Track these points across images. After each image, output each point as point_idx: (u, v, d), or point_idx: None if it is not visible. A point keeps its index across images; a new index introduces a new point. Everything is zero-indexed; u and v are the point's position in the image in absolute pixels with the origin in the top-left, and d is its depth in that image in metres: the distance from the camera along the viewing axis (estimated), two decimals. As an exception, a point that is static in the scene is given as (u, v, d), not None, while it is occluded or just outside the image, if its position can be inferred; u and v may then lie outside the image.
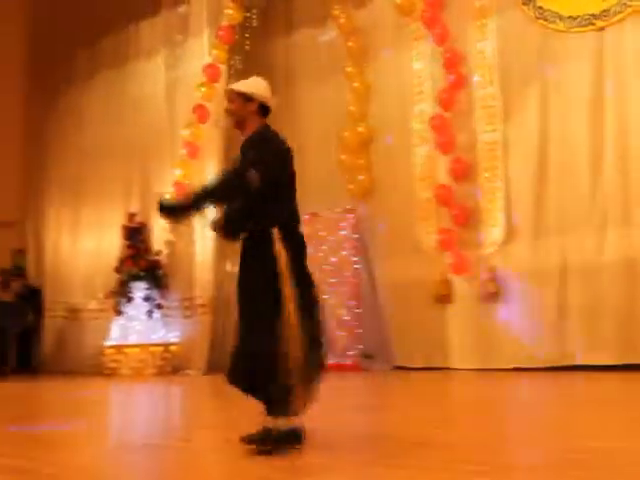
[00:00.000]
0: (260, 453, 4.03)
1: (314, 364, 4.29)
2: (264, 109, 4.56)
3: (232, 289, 12.01)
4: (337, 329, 10.99)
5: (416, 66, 10.58)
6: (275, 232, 4.27)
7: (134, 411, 7.59)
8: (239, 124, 4.57)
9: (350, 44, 11.26)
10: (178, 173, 11.87)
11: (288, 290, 4.18)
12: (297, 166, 12.19)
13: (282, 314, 4.15)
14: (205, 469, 3.82)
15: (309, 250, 10.49)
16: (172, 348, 12.03)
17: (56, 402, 8.70)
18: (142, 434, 5.52)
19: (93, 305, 13.58)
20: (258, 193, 4.24)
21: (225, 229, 4.43)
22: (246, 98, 4.52)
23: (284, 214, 4.42)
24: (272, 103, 4.61)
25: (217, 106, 11.54)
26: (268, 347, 4.08)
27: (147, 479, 3.57)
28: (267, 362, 4.08)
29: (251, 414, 6.29)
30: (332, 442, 4.66)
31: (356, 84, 11.18)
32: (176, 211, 4.49)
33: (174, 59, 12.77)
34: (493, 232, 9.76)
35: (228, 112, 4.67)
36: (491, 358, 9.58)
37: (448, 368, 9.81)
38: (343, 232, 11.11)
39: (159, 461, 4.15)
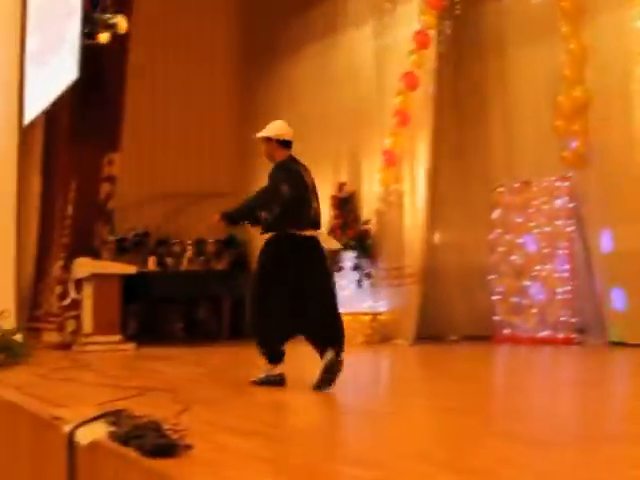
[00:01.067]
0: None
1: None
2: (284, 142, 6.27)
3: (441, 259, 12.14)
4: (551, 301, 10.79)
5: (638, 24, 10.09)
6: (278, 237, 6.04)
7: (347, 378, 7.78)
8: (270, 158, 6.29)
9: (564, 4, 10.86)
10: (388, 142, 11.97)
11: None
12: (508, 133, 11.96)
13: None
14: (420, 436, 3.89)
15: (519, 219, 10.19)
16: (380, 317, 12.22)
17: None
18: (357, 400, 5.68)
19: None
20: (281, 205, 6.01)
21: (228, 219, 6.33)
22: (267, 140, 6.26)
23: (290, 224, 6.03)
24: (288, 136, 6.31)
25: (427, 73, 11.56)
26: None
27: (371, 443, 3.67)
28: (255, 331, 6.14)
29: (458, 385, 6.35)
30: (552, 416, 4.61)
31: (571, 46, 10.78)
32: (231, 219, 6.40)
33: (382, 27, 12.80)
34: None
35: (263, 154, 6.35)
36: None
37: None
38: (558, 201, 10.84)
39: (378, 425, 4.26)
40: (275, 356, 6.10)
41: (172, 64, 15.96)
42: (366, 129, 12.91)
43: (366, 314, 12.19)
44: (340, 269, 12.38)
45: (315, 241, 6.10)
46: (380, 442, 3.72)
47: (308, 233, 6.06)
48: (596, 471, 2.97)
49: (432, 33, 11.74)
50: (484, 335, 11.70)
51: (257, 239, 14.93)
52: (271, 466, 3.05)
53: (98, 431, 3.52)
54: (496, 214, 11.65)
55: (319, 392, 5.64)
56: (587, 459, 3.20)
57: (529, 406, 5.01)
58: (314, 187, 6.31)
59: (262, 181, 15.70)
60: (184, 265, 14.32)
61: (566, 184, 10.75)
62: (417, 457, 3.24)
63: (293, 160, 6.28)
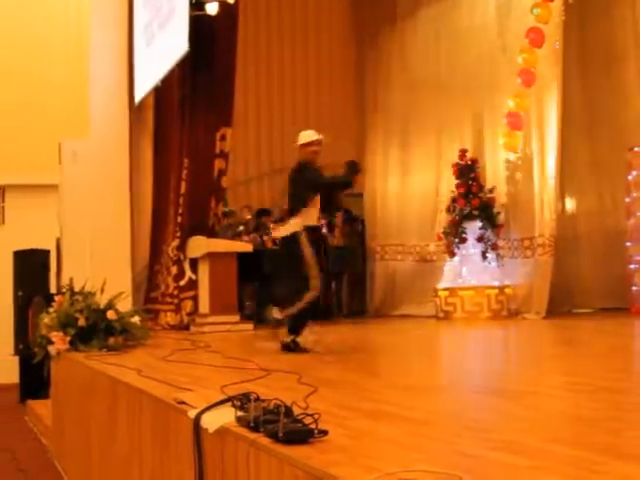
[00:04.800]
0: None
1: None
2: None
3: (574, 226, 11.66)
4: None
5: None
6: None
7: (477, 356, 7.57)
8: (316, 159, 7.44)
9: None
10: (512, 104, 11.55)
11: None
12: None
13: None
14: (572, 418, 3.64)
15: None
16: (507, 291, 11.89)
17: (399, 346, 8.91)
18: (493, 379, 5.47)
19: (425, 247, 13.76)
20: None
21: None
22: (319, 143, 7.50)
23: None
24: None
25: (554, 28, 11.08)
26: None
27: (518, 426, 3.46)
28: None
29: (601, 361, 6.05)
30: None
31: None
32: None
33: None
34: None
35: (316, 154, 7.46)
36: None
37: None
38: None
39: (520, 406, 4.04)
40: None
41: (281, 35, 15.92)
42: (489, 92, 12.52)
43: (492, 287, 11.88)
44: (464, 240, 12.08)
45: None
46: (528, 425, 3.50)
47: None
48: None
49: (559, -16, 11.25)
50: (620, 307, 11.27)
51: (378, 212, 14.95)
52: (415, 453, 2.88)
53: (225, 416, 3.42)
54: (632, 176, 11.14)
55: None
56: None
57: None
58: None
59: (376, 152, 15.69)
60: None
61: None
62: (574, 442, 3.01)
63: None
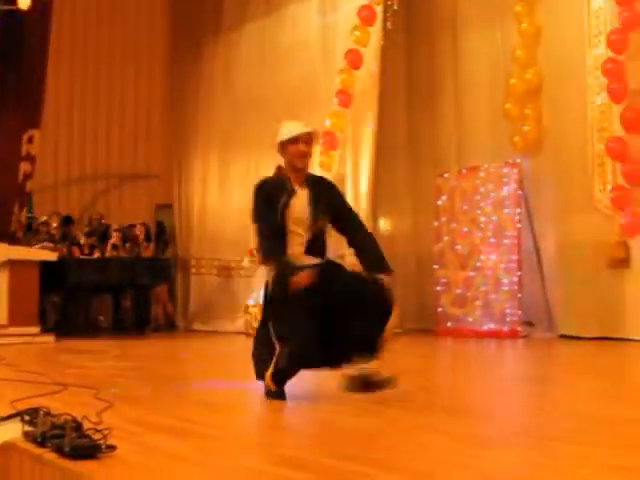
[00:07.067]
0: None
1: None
2: None
3: (386, 248, 12.13)
4: (496, 293, 10.87)
5: (594, 4, 10.12)
6: None
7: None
8: (307, 163, 4.96)
9: (518, -19, 10.95)
10: (328, 123, 11.90)
11: None
12: (459, 116, 11.93)
13: None
14: (354, 434, 3.88)
15: (465, 207, 10.16)
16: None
17: (204, 361, 8.99)
18: (293, 397, 5.63)
19: (239, 263, 13.91)
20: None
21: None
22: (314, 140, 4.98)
23: None
24: None
25: (371, 50, 11.52)
26: None
27: (305, 442, 3.67)
28: None
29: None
30: (498, 414, 4.65)
31: (524, 25, 10.85)
32: None
33: (330, 2, 12.67)
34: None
35: (306, 156, 4.91)
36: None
37: (624, 339, 9.49)
38: (506, 188, 10.93)
39: (306, 423, 4.25)
40: None
41: (99, 36, 15.72)
42: (309, 110, 12.79)
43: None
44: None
45: None
46: (314, 441, 3.72)
47: None
48: (544, 471, 2.98)
49: (379, 9, 11.71)
50: (428, 328, 11.76)
51: (194, 226, 15.01)
52: (200, 468, 3.03)
53: (12, 431, 3.45)
54: (441, 201, 11.70)
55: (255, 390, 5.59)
56: (534, 459, 3.21)
57: (470, 403, 5.04)
58: None
59: (193, 166, 15.71)
60: (108, 252, 14.00)
61: (515, 171, 10.84)
62: (354, 457, 3.22)
63: None
